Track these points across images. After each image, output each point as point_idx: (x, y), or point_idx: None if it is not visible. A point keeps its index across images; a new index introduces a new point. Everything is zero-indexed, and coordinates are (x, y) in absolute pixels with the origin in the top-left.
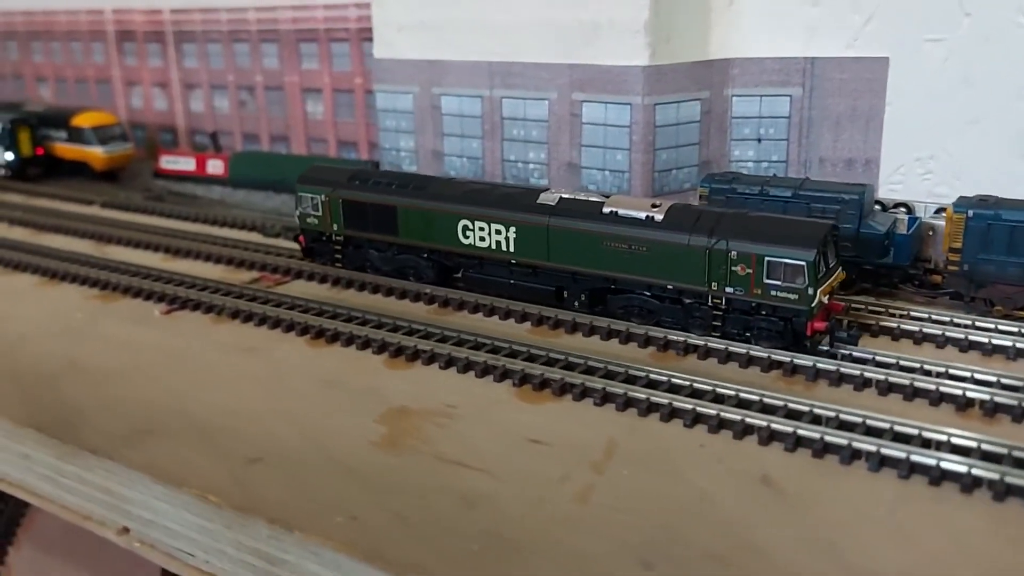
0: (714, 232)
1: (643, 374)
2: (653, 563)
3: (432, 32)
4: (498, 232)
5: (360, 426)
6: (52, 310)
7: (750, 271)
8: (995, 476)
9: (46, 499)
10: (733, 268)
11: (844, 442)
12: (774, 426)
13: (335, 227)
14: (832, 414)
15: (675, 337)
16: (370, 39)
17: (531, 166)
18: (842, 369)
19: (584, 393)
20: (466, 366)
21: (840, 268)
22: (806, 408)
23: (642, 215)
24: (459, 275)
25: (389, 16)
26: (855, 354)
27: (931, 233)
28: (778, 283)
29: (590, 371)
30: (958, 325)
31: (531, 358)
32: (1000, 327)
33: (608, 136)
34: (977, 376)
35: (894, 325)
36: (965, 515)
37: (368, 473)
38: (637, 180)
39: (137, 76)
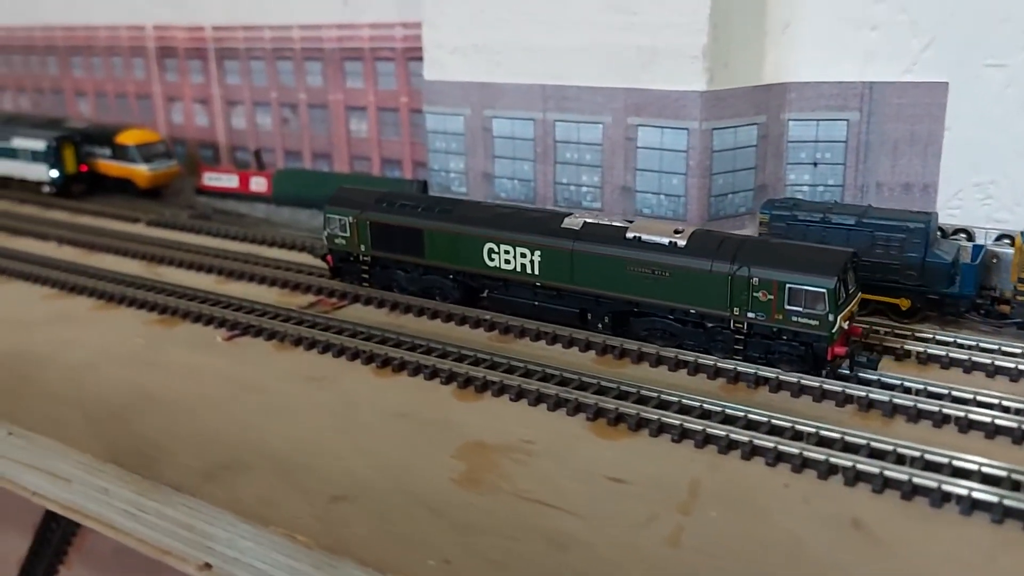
0: (736, 258)
1: (719, 409)
2: None
3: (485, 55)
4: (523, 255)
5: (438, 462)
6: (113, 336)
7: (771, 297)
8: None
9: (124, 533)
10: (755, 294)
11: (934, 484)
12: (860, 466)
13: (362, 248)
14: (917, 453)
15: (745, 369)
16: (416, 59)
17: (584, 189)
18: (919, 405)
19: (661, 429)
20: (537, 399)
21: (859, 293)
22: (890, 447)
23: (665, 241)
24: (484, 296)
25: (441, 38)
26: (930, 389)
27: (995, 261)
28: (799, 309)
29: (664, 405)
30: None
31: (602, 391)
32: None
33: (664, 161)
34: None
35: (965, 357)
36: None
37: (452, 513)
38: (693, 205)
39: (178, 92)
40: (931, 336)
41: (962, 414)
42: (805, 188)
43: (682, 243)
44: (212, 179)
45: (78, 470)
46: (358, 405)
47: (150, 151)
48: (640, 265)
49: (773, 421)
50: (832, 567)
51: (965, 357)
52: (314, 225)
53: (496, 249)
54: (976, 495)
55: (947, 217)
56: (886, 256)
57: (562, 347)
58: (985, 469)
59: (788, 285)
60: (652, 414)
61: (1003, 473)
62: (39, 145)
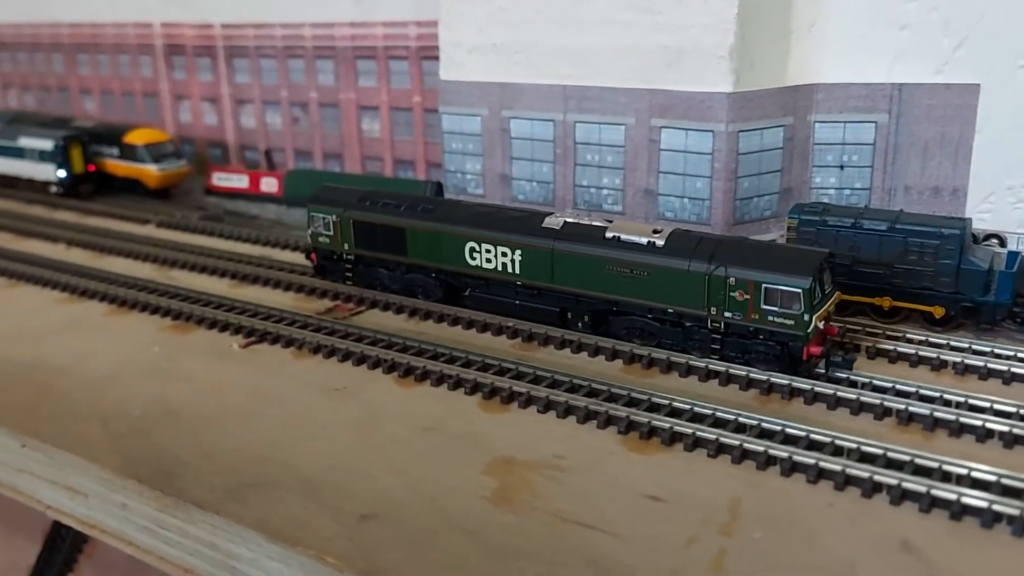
0: (713, 258)
1: (754, 422)
2: None
3: (504, 54)
4: (504, 255)
5: (467, 478)
6: (129, 344)
7: (748, 297)
8: None
9: (143, 550)
10: (732, 294)
11: (983, 504)
12: (905, 484)
13: (346, 246)
14: (963, 471)
15: (779, 380)
16: (430, 58)
17: (604, 192)
18: (961, 419)
19: (696, 443)
20: (566, 411)
21: (836, 293)
22: (935, 464)
23: (643, 240)
24: (466, 294)
25: (458, 37)
26: (971, 402)
27: None
28: (775, 309)
29: (697, 418)
30: None
31: (632, 402)
32: None
33: (688, 163)
34: None
35: (1004, 368)
36: None
37: (488, 534)
38: (718, 208)
39: (186, 90)
40: (967, 346)
41: (1006, 428)
42: (831, 191)
43: (660, 243)
44: (222, 179)
45: (96, 484)
46: (382, 417)
47: (159, 151)
48: (619, 265)
49: (812, 436)
50: None
51: (1004, 368)
52: None
53: (478, 248)
54: None
55: (977, 221)
56: (920, 263)
57: (588, 356)
58: None
59: (764, 285)
60: (686, 428)
61: None
62: (46, 145)
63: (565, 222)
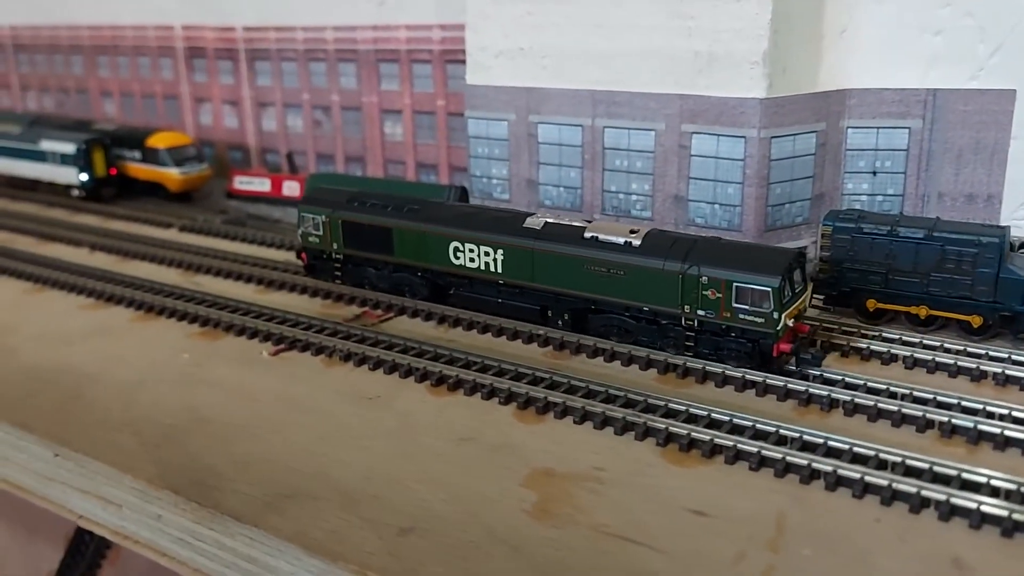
0: (687, 258)
1: (796, 435)
2: None
3: (531, 59)
4: (487, 254)
5: (507, 491)
6: (158, 351)
7: (720, 295)
8: None
9: (178, 561)
10: (704, 292)
11: None
12: (954, 500)
13: (335, 246)
14: (1013, 486)
15: (818, 391)
16: (454, 61)
17: (633, 198)
18: (1006, 432)
19: (737, 456)
20: (603, 422)
21: (807, 291)
22: (983, 479)
23: (620, 240)
24: (451, 293)
25: (485, 41)
26: (1014, 414)
27: None
28: (746, 307)
29: (737, 430)
30: None
31: (670, 413)
32: None
33: (719, 169)
34: None
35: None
36: None
37: (531, 549)
38: (749, 215)
39: (207, 93)
40: (1006, 356)
41: None
42: (863, 197)
43: (637, 243)
44: (243, 183)
45: (130, 495)
46: (418, 428)
47: (181, 154)
48: (597, 264)
49: (855, 449)
50: None
51: None
52: None
53: (461, 248)
54: None
55: (1013, 229)
56: (957, 271)
57: (621, 365)
58: None
59: (735, 284)
60: (727, 440)
61: None
62: (68, 148)
63: (546, 222)
